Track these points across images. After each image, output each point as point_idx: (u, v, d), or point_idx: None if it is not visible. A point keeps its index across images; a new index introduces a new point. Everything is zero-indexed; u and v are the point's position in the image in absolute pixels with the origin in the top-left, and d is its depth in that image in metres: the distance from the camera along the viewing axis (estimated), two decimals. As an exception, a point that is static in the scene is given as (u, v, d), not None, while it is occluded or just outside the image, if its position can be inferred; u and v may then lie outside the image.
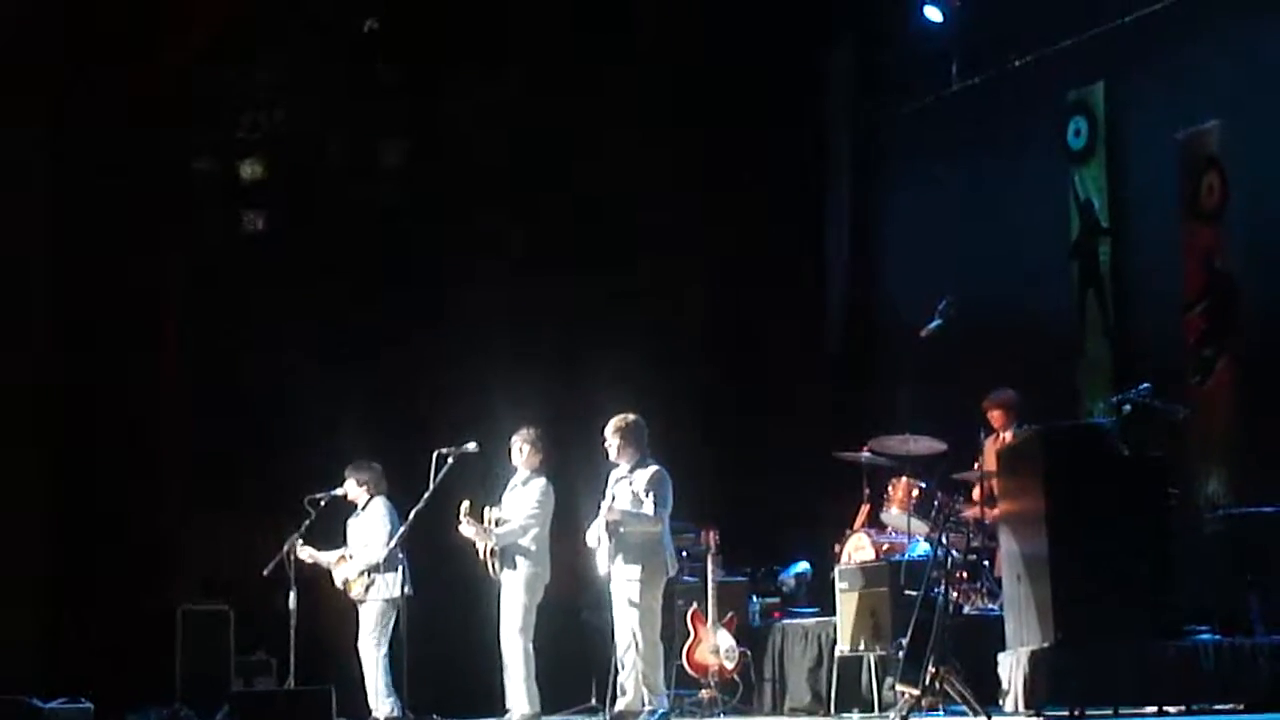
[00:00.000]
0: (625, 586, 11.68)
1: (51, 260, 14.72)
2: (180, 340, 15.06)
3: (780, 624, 13.49)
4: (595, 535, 11.76)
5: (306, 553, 12.58)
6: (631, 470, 11.81)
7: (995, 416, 12.47)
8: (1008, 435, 12.24)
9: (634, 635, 11.61)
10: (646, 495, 11.69)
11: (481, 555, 12.15)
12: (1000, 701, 10.61)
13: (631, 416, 11.89)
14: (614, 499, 11.75)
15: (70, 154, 14.71)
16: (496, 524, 12.10)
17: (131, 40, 14.89)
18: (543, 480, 12.25)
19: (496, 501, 12.24)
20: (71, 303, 14.69)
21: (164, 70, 15.04)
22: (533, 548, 12.11)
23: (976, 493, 12.37)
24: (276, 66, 15.75)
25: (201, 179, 15.62)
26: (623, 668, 11.76)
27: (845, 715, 12.20)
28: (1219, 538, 11.41)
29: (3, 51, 14.50)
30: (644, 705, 11.60)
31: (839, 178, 16.26)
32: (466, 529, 12.09)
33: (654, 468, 11.80)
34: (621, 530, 11.65)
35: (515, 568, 12.11)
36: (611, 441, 11.84)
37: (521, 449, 12.25)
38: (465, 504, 12.02)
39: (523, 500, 12.19)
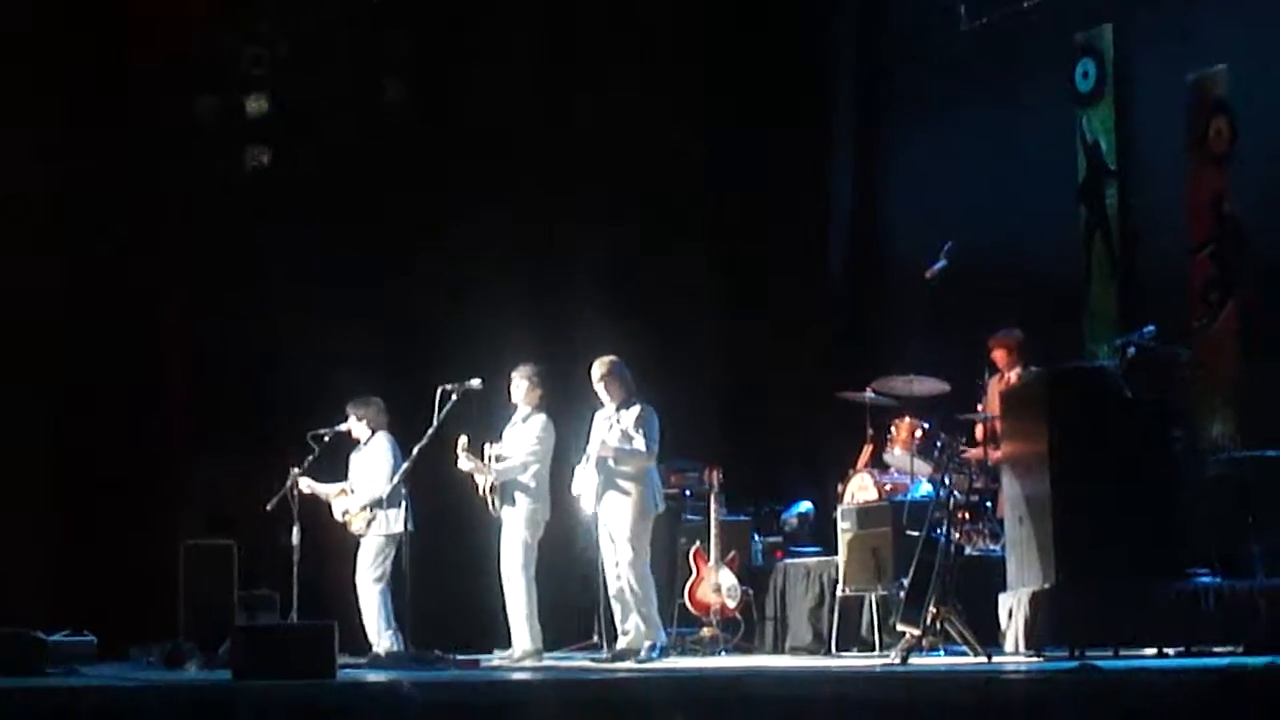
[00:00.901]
0: (616, 524, 11.76)
1: (53, 196, 14.70)
2: (182, 276, 15.05)
3: (782, 563, 13.52)
4: (580, 479, 11.82)
5: (305, 483, 12.60)
6: (618, 410, 11.87)
7: (999, 356, 12.45)
8: (1012, 375, 12.24)
9: (627, 572, 11.66)
10: (636, 432, 11.77)
11: (481, 491, 12.19)
12: (1001, 642, 10.65)
13: (611, 358, 11.98)
14: (605, 437, 11.81)
15: (71, 92, 14.68)
16: (496, 460, 12.13)
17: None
18: (543, 417, 12.26)
19: (498, 438, 12.26)
20: (73, 239, 14.67)
21: (167, 7, 15.00)
22: (532, 484, 12.13)
23: (980, 433, 12.37)
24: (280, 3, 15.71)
25: (205, 114, 15.56)
26: (617, 605, 11.83)
27: (846, 654, 12.23)
28: (1222, 480, 11.41)
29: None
30: (643, 641, 11.66)
31: (844, 118, 16.21)
32: (465, 463, 12.13)
33: (640, 406, 11.86)
34: (612, 464, 11.71)
35: (515, 504, 12.14)
36: (599, 384, 11.90)
37: (519, 385, 12.27)
38: (463, 439, 12.06)
39: (522, 437, 12.21)
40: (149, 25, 14.89)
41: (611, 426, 11.88)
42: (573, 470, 12.02)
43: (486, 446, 12.16)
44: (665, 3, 15.79)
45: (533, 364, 12.34)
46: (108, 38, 14.83)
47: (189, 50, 15.20)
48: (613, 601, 11.91)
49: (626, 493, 11.74)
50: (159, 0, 15.03)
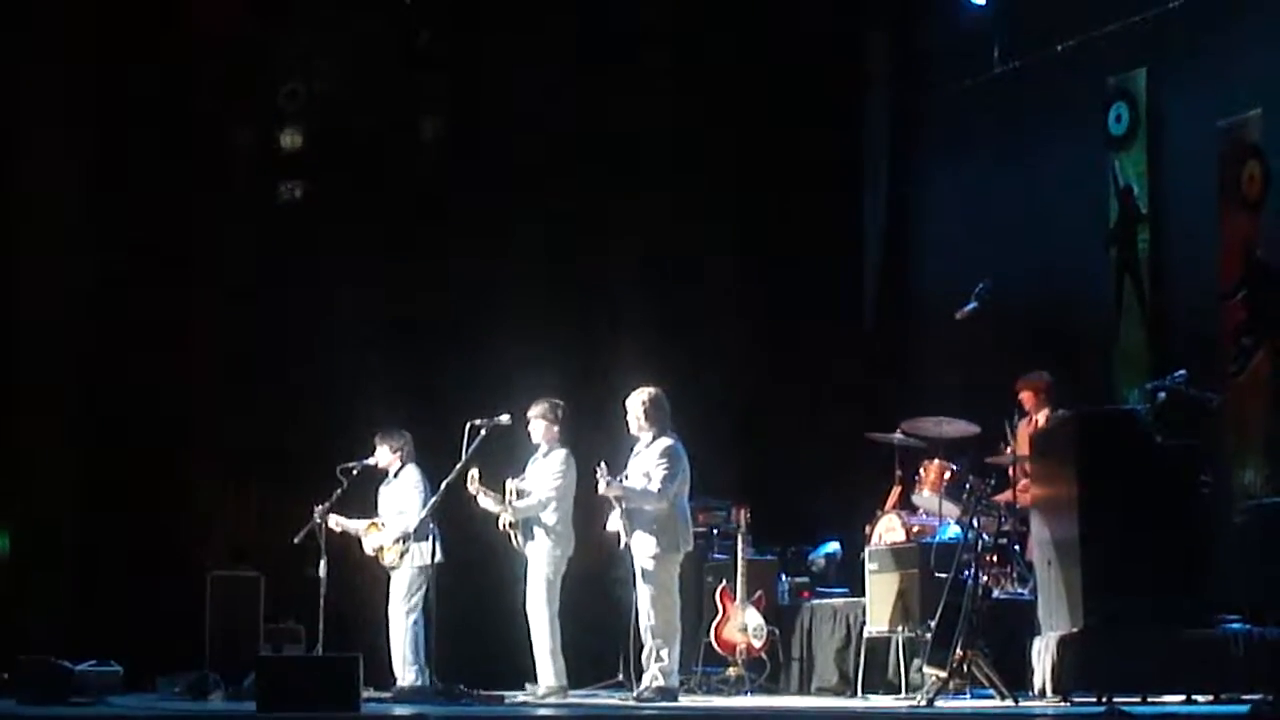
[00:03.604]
0: (641, 562, 11.61)
1: (87, 227, 14.75)
2: (213, 309, 15.08)
3: (809, 604, 13.49)
4: (614, 518, 11.73)
5: (334, 521, 12.58)
6: (649, 445, 11.75)
7: (1027, 398, 12.44)
8: (1040, 418, 12.22)
9: (648, 609, 11.56)
10: (656, 470, 11.57)
11: (502, 527, 12.15)
12: (1028, 686, 10.61)
13: (652, 390, 11.78)
14: (625, 474, 11.68)
15: (107, 122, 14.76)
16: (518, 495, 12.07)
17: (171, 9, 14.96)
18: (563, 451, 12.18)
19: (520, 473, 12.23)
20: (105, 268, 14.72)
21: (202, 40, 15.07)
22: (553, 521, 12.07)
23: (1009, 475, 12.33)
24: (314, 36, 15.74)
25: (239, 148, 15.62)
26: (644, 643, 11.72)
27: (872, 696, 12.19)
28: (1250, 527, 11.37)
29: (40, 19, 14.56)
30: (656, 681, 11.53)
31: (877, 158, 16.23)
32: (485, 501, 12.07)
33: (667, 442, 11.65)
34: (628, 506, 11.60)
35: (536, 541, 12.09)
36: (632, 415, 11.78)
37: (536, 423, 12.22)
38: (474, 472, 11.99)
39: (544, 473, 12.14)
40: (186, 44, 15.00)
41: (628, 472, 11.66)
42: (595, 504, 11.91)
43: (509, 482, 12.12)
44: (695, 33, 15.78)
45: (548, 400, 12.28)
46: (145, 61, 14.90)
47: (225, 79, 15.26)
48: (643, 638, 11.78)
49: (649, 530, 11.58)
50: (197, 25, 15.10)
